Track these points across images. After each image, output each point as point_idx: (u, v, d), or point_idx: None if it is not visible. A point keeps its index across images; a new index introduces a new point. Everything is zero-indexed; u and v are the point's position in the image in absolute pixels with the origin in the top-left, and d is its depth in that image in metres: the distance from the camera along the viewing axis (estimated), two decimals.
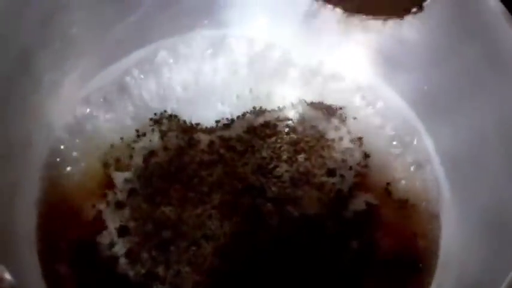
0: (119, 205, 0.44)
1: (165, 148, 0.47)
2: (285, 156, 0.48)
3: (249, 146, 0.48)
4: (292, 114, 0.50)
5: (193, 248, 0.43)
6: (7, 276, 0.32)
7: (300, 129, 0.49)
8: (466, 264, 0.41)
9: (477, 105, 0.43)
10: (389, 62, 0.50)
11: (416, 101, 0.49)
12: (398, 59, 0.49)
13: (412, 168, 0.48)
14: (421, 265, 0.44)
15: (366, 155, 0.48)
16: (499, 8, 0.40)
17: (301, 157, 0.48)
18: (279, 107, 0.50)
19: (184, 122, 0.49)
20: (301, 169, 0.47)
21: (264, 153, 0.48)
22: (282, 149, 0.48)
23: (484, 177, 0.42)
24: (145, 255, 0.42)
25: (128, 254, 0.42)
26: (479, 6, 0.42)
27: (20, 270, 0.37)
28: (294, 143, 0.48)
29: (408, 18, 0.46)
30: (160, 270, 0.42)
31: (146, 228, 0.43)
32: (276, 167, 0.47)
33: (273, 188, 0.46)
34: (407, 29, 0.47)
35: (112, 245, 0.43)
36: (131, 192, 0.45)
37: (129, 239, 0.43)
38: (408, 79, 0.49)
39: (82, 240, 0.42)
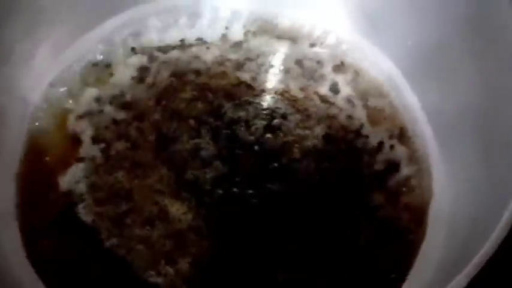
0: (87, 172, 0.43)
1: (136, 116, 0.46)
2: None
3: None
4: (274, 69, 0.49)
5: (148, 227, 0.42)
6: None
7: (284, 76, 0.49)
8: (455, 220, 0.40)
9: (463, 64, 0.42)
10: (371, 19, 0.48)
11: (401, 58, 0.48)
12: (380, 15, 0.48)
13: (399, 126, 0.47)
14: (412, 225, 0.43)
15: (349, 117, 0.47)
16: None
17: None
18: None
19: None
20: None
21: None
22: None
23: (469, 134, 0.41)
24: (103, 226, 0.41)
25: (93, 223, 0.41)
26: None
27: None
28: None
29: None
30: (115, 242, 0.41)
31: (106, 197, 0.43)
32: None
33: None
34: None
35: (82, 214, 0.42)
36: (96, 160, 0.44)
37: (91, 209, 0.42)
38: (391, 35, 0.48)
39: (60, 211, 0.42)
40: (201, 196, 0.43)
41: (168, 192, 0.43)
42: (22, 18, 0.43)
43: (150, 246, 0.41)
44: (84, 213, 0.42)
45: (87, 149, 0.44)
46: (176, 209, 0.42)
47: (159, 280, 0.40)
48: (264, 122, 0.47)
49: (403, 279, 0.41)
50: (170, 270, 0.40)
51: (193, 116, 0.46)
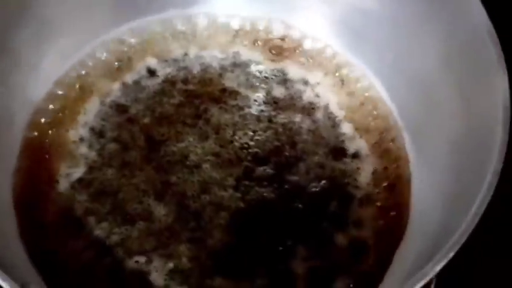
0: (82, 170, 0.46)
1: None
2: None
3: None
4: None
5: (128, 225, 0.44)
6: None
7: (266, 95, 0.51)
8: (428, 227, 0.41)
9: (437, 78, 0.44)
10: (353, 32, 0.50)
11: (379, 68, 0.49)
12: (361, 29, 0.50)
13: (380, 136, 0.48)
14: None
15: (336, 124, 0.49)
16: None
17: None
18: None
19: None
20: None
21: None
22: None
23: (443, 145, 0.43)
24: (91, 222, 0.44)
25: (83, 218, 0.44)
26: None
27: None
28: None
29: None
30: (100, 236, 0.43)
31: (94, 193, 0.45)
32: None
33: None
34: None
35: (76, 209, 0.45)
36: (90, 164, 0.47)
37: (82, 205, 0.45)
38: (371, 47, 0.49)
39: (57, 207, 0.44)
40: (184, 200, 0.45)
41: (153, 193, 0.45)
42: (28, 30, 0.46)
43: (130, 244, 0.43)
44: (77, 208, 0.45)
45: (83, 149, 0.47)
46: (158, 210, 0.45)
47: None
48: (251, 126, 0.49)
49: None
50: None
51: (180, 120, 0.49)
